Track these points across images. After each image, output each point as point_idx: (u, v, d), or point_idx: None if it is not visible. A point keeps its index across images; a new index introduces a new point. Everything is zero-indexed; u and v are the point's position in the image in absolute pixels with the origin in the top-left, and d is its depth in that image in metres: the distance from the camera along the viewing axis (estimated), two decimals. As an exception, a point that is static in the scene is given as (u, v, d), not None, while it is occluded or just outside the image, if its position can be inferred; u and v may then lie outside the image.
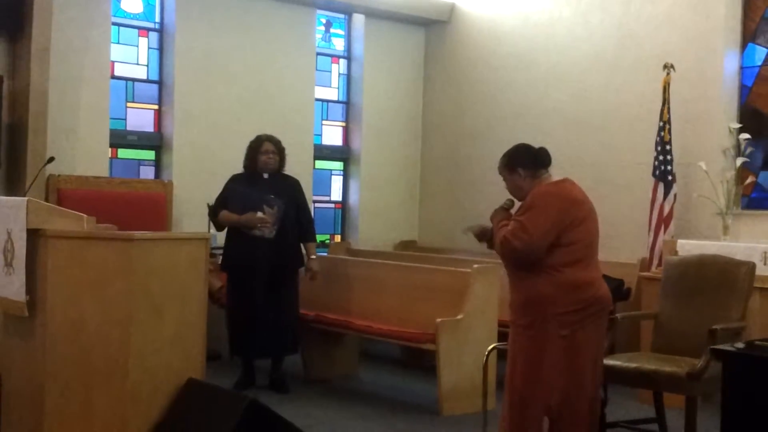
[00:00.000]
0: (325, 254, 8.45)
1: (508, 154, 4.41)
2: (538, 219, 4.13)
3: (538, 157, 4.33)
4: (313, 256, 6.43)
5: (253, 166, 6.32)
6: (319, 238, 9.06)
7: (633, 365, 4.67)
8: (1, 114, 6.43)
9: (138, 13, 8.09)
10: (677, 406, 4.84)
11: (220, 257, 6.56)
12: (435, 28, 9.54)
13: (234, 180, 6.35)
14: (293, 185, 6.39)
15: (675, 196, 7.01)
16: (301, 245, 6.41)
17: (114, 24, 7.81)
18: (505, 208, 4.42)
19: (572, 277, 4.14)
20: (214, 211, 6.28)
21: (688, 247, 6.32)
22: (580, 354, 4.16)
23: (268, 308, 6.16)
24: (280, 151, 6.35)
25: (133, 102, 8.07)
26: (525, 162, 4.33)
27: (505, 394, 4.31)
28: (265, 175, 6.30)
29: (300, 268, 6.42)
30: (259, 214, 6.08)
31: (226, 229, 6.32)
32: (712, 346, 3.90)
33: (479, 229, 4.58)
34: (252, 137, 6.42)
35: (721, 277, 4.90)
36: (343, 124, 9.48)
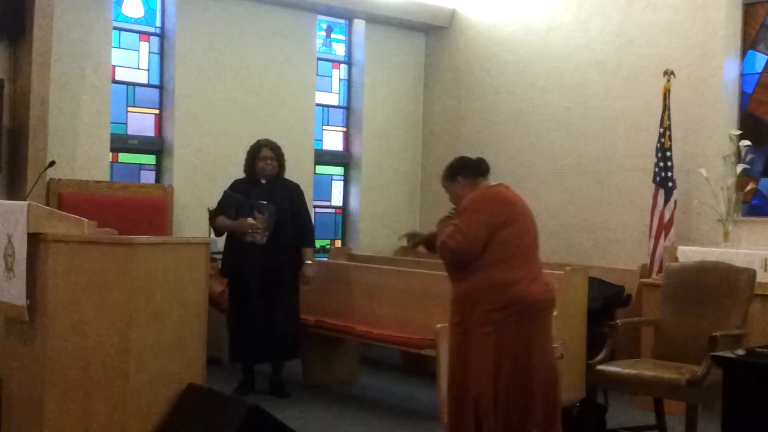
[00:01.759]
0: (326, 259, 8.44)
1: (449, 164, 4.66)
2: (470, 220, 4.33)
3: (476, 166, 4.59)
4: (309, 262, 6.36)
5: (251, 171, 6.33)
6: (320, 243, 9.06)
7: (633, 372, 4.68)
8: (2, 118, 6.43)
9: (139, 18, 8.09)
10: (678, 412, 4.84)
11: (221, 262, 6.56)
12: (435, 33, 9.55)
13: (233, 185, 6.36)
14: (292, 190, 6.38)
15: (675, 202, 7.00)
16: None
17: (115, 28, 7.81)
18: (449, 217, 4.56)
19: (495, 276, 4.28)
20: (212, 217, 6.30)
21: (689, 253, 6.33)
22: (504, 352, 4.25)
23: (265, 313, 6.15)
24: (278, 156, 6.35)
25: (133, 106, 8.07)
26: (464, 171, 4.59)
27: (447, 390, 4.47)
28: (263, 181, 6.30)
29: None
30: (250, 220, 6.09)
31: (225, 234, 6.33)
32: (712, 353, 3.92)
33: (421, 238, 4.87)
34: (252, 142, 6.43)
35: (722, 284, 4.91)
36: (344, 129, 9.48)
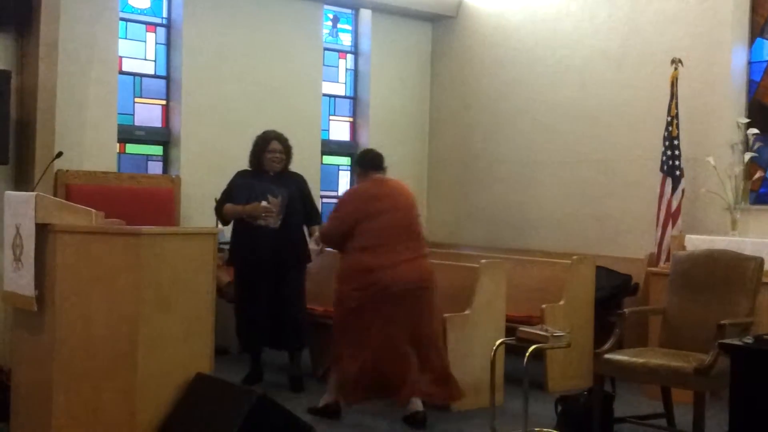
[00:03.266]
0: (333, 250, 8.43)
1: (357, 154, 5.76)
2: (336, 211, 5.42)
3: (369, 161, 5.47)
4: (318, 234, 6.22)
5: (258, 164, 6.25)
6: (327, 233, 9.05)
7: (640, 360, 4.68)
8: (10, 110, 6.44)
9: (145, 9, 8.09)
10: (685, 401, 4.84)
11: (227, 252, 6.54)
12: (442, 23, 9.53)
13: (239, 175, 6.30)
14: (298, 179, 6.34)
15: (683, 191, 6.99)
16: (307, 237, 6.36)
17: (121, 19, 7.82)
18: None
19: (358, 261, 5.20)
20: (218, 206, 6.25)
21: (696, 242, 6.32)
22: (363, 324, 5.18)
23: (274, 301, 6.14)
24: (287, 150, 6.27)
25: (140, 97, 8.08)
26: (361, 163, 5.54)
27: None
28: (270, 173, 6.25)
29: (308, 264, 6.39)
30: (264, 203, 6.04)
31: (232, 223, 6.30)
32: (720, 341, 3.91)
33: None
34: (259, 132, 6.35)
35: (730, 273, 4.91)
36: (351, 119, 9.48)
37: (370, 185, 5.40)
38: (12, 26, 6.65)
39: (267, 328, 6.15)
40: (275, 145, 6.21)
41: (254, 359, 6.35)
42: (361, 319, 5.22)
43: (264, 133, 6.31)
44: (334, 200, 9.26)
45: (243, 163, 6.46)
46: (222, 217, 6.25)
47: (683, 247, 6.33)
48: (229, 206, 6.15)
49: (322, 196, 8.98)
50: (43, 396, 4.43)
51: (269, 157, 6.20)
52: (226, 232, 7.06)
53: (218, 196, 6.36)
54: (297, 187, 6.26)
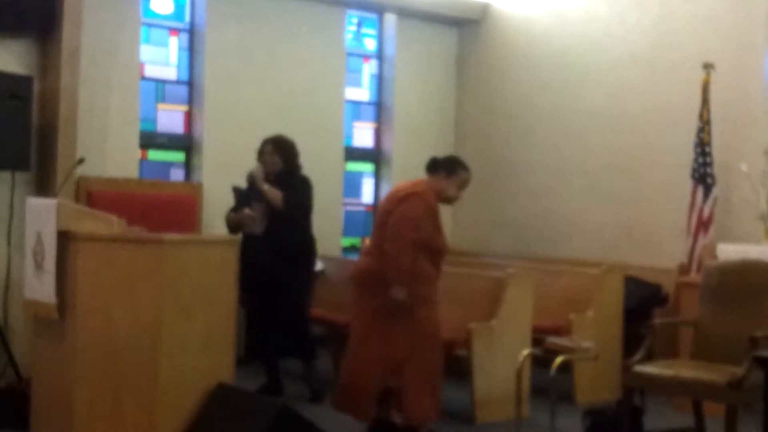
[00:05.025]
0: (356, 258, 8.37)
1: None
2: None
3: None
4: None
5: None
6: (350, 241, 9.03)
7: (671, 373, 4.62)
8: (32, 116, 6.43)
9: (168, 14, 8.07)
10: (717, 414, 4.74)
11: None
12: (468, 27, 9.45)
13: (247, 180, 6.33)
14: (295, 183, 6.19)
15: (715, 199, 6.88)
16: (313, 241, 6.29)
17: (144, 24, 7.80)
18: None
19: None
20: (227, 215, 6.26)
21: (729, 251, 6.20)
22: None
23: (266, 309, 6.02)
24: (281, 152, 6.20)
25: (163, 103, 8.05)
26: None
27: None
28: (272, 177, 6.18)
29: (317, 269, 6.29)
30: (247, 210, 6.03)
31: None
32: (753, 354, 3.83)
33: None
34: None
35: (763, 283, 4.83)
36: (374, 125, 9.41)
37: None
38: (34, 32, 6.64)
39: (259, 337, 6.07)
40: (265, 146, 6.26)
41: (269, 371, 6.24)
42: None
43: None
44: (358, 208, 9.30)
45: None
46: (227, 225, 6.24)
47: (715, 257, 6.22)
48: (228, 215, 6.21)
49: (345, 204, 8.91)
50: (64, 405, 4.43)
51: (261, 159, 6.25)
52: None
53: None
54: (292, 189, 6.10)
